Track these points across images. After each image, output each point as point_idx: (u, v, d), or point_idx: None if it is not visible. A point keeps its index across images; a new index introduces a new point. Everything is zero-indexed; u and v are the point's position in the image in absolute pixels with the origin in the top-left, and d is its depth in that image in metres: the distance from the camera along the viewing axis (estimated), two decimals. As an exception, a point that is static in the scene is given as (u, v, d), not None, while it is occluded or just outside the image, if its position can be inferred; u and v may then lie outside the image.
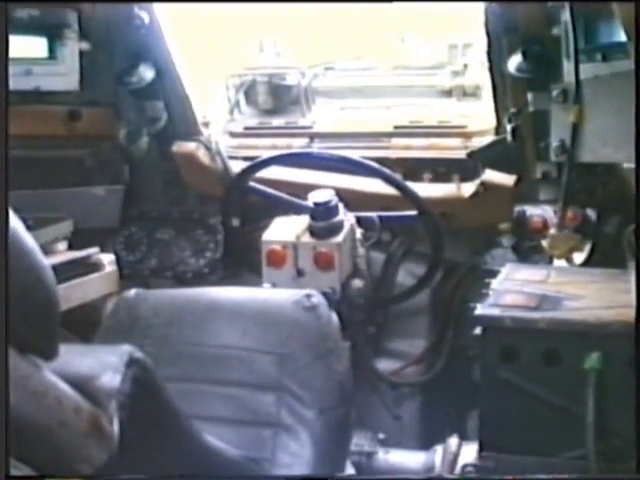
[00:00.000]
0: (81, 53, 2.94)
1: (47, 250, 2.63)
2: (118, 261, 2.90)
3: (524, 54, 2.59)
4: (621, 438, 1.84)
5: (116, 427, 1.08)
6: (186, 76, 3.07)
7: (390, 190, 2.77)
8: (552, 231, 2.70)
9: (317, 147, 3.18)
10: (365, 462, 2.52)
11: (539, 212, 2.80)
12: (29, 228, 1.07)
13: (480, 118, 3.11)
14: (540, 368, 1.93)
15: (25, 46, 2.87)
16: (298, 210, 2.77)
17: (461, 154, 2.97)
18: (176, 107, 3.10)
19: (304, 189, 2.80)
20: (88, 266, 2.77)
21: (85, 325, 2.31)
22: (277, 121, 3.41)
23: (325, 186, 2.79)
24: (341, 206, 2.72)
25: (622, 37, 2.11)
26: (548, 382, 1.93)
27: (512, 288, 2.14)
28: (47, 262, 1.07)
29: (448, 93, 3.44)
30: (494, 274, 2.28)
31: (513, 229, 2.86)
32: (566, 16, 2.41)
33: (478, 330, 1.99)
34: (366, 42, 3.79)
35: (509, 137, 2.76)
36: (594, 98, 2.44)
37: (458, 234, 2.91)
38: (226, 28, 3.63)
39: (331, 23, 3.66)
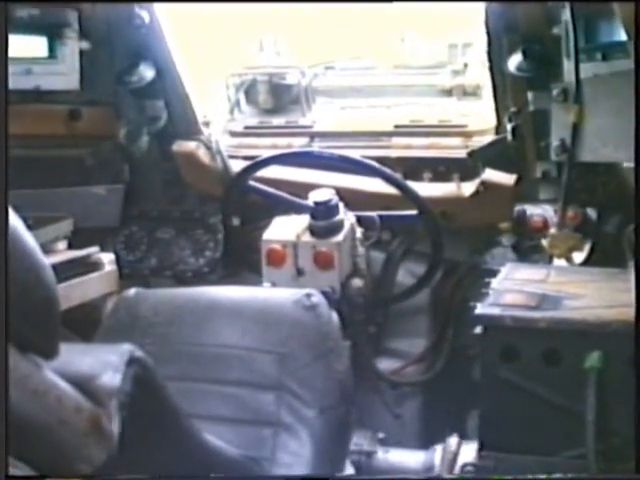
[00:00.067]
0: (81, 52, 2.94)
1: (47, 249, 2.63)
2: (118, 260, 2.90)
3: (524, 53, 2.59)
4: (621, 437, 1.84)
5: (116, 426, 1.08)
6: (186, 75, 3.07)
7: (390, 189, 2.77)
8: (552, 230, 2.70)
9: (317, 146, 3.18)
10: (365, 461, 2.52)
11: (539, 211, 2.80)
12: (29, 227, 1.07)
13: (480, 117, 3.12)
14: (540, 367, 1.93)
15: (25, 45, 2.87)
16: (298, 209, 2.77)
17: (461, 153, 2.97)
18: (176, 106, 3.09)
19: (304, 188, 2.80)
20: (88, 265, 2.77)
21: (85, 324, 2.31)
22: (277, 120, 3.41)
23: (325, 185, 2.79)
24: (341, 205, 2.72)
25: (622, 36, 2.11)
26: (548, 381, 1.93)
27: (512, 287, 2.14)
28: (47, 261, 1.07)
29: (448, 92, 3.44)
30: (494, 273, 2.28)
31: (513, 228, 2.86)
32: (566, 15, 2.41)
33: (478, 329, 1.99)
34: (366, 41, 3.79)
35: (509, 136, 2.76)
36: (594, 97, 2.44)
37: (458, 233, 2.92)
38: (226, 27, 3.63)
39: (331, 22, 3.67)
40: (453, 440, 2.29)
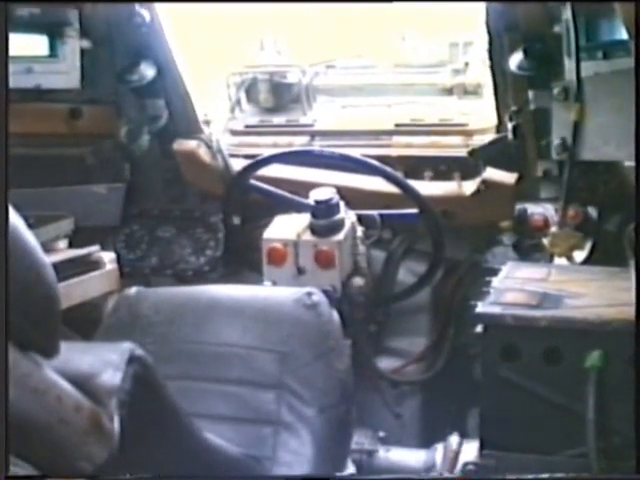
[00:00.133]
0: (82, 51, 2.94)
1: (48, 248, 2.63)
2: (119, 259, 2.90)
3: (525, 52, 2.59)
4: (621, 436, 1.85)
5: (116, 425, 1.08)
6: (187, 74, 3.07)
7: (391, 188, 2.77)
8: (553, 229, 2.70)
9: (318, 145, 3.18)
10: (366, 460, 2.52)
11: (540, 210, 2.80)
12: (30, 226, 1.07)
13: (481, 116, 3.11)
14: (541, 366, 1.93)
15: (26, 44, 2.87)
16: (299, 208, 2.77)
17: (462, 152, 2.97)
18: (177, 105, 3.09)
19: (305, 187, 2.80)
20: (89, 264, 2.77)
21: (86, 323, 2.31)
22: (278, 119, 3.41)
23: (326, 184, 2.79)
24: (342, 204, 2.72)
25: (623, 35, 2.11)
26: (549, 380, 1.93)
27: (513, 286, 2.14)
28: (48, 260, 1.07)
29: (449, 91, 3.44)
30: (495, 272, 2.28)
31: (514, 227, 2.86)
32: (567, 14, 2.41)
33: (479, 328, 1.99)
34: (367, 40, 3.79)
35: (510, 135, 2.76)
36: (595, 96, 2.44)
37: (459, 232, 2.91)
38: (227, 26, 3.63)
39: (332, 21, 3.67)
40: (454, 439, 2.30)
